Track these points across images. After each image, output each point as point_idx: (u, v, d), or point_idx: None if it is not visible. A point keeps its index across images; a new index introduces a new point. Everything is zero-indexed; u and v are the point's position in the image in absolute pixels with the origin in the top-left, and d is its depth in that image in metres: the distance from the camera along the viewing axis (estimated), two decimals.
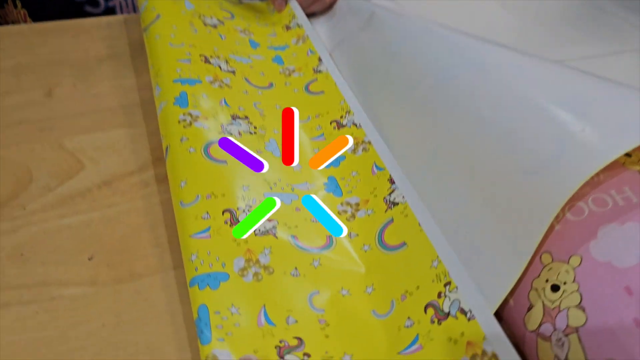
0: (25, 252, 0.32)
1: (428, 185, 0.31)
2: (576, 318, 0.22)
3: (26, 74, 0.44)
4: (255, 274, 0.29)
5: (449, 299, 0.26)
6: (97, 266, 0.31)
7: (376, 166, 0.34)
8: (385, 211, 0.32)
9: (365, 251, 0.31)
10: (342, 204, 0.33)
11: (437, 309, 0.27)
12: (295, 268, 0.30)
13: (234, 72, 0.40)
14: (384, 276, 0.30)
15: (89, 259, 0.32)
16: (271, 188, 0.33)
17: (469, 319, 0.25)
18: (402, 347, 0.27)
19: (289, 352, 0.27)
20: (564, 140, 0.25)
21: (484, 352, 0.24)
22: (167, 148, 0.34)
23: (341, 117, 0.38)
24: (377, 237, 0.31)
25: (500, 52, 0.32)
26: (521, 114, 0.28)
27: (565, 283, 0.23)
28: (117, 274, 0.31)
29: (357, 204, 0.33)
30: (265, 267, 0.29)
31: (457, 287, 0.26)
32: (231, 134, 0.35)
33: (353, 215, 0.33)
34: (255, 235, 0.30)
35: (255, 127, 0.36)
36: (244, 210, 0.31)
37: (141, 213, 0.34)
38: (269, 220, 0.31)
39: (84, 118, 0.40)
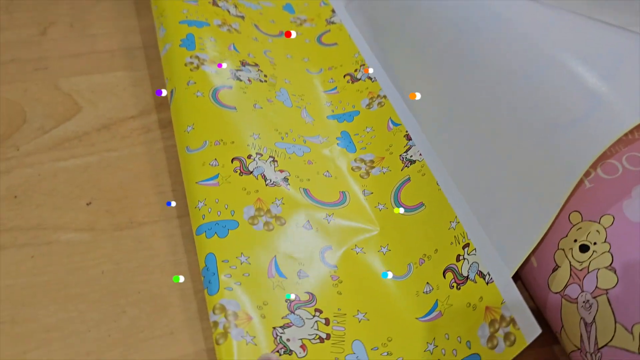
0: (19, 194, 0.30)
1: (445, 141, 0.30)
2: (606, 279, 0.22)
3: (19, 11, 0.41)
4: (266, 223, 0.27)
5: (468, 262, 0.26)
6: (96, 212, 0.30)
7: (392, 122, 0.32)
8: (402, 169, 0.30)
9: (380, 210, 0.30)
10: (355, 160, 0.32)
11: (456, 273, 0.26)
12: (308, 221, 0.28)
13: (243, 18, 0.38)
14: (400, 238, 0.29)
15: (87, 204, 0.30)
16: (282, 138, 0.31)
17: (487, 283, 0.24)
18: (421, 314, 0.26)
19: (299, 307, 0.26)
20: (595, 95, 0.24)
21: (502, 317, 0.23)
22: (172, 91, 0.32)
23: (355, 70, 0.36)
24: (392, 196, 0.30)
25: (527, 4, 0.31)
26: (549, 68, 0.26)
27: (595, 243, 0.22)
28: (116, 220, 0.30)
29: (372, 161, 0.32)
30: (277, 218, 0.28)
31: (475, 249, 0.26)
32: (240, 80, 0.33)
33: (367, 173, 0.31)
34: (267, 185, 0.28)
35: (265, 76, 0.35)
36: (254, 159, 0.29)
37: (143, 159, 0.32)
38: (280, 171, 0.29)
39: (80, 59, 0.38)
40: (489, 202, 0.27)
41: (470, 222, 0.27)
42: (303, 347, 0.25)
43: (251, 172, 0.29)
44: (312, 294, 0.26)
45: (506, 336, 0.23)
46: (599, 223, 0.23)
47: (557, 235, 0.24)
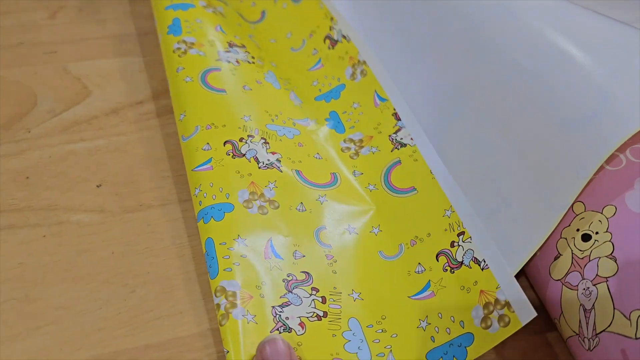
0: (30, 176, 0.30)
1: (453, 133, 0.31)
2: (607, 268, 0.22)
3: None
4: (260, 207, 0.28)
5: (463, 249, 0.26)
6: (105, 194, 0.30)
7: (378, 96, 0.33)
8: (392, 151, 0.31)
9: (371, 190, 0.30)
10: (344, 140, 0.33)
11: (450, 258, 0.26)
12: (301, 203, 0.29)
13: (226, 3, 0.38)
14: (391, 219, 0.29)
15: (97, 187, 0.30)
16: (273, 120, 0.32)
17: (482, 269, 0.25)
18: (413, 292, 0.27)
19: (296, 286, 0.26)
20: (605, 93, 0.24)
21: (497, 301, 0.24)
22: (169, 80, 0.33)
23: (330, 28, 0.36)
24: (382, 177, 0.30)
25: None
26: (559, 64, 0.27)
27: (597, 233, 0.23)
28: (125, 203, 0.30)
29: (361, 140, 0.32)
30: (271, 202, 0.28)
31: (471, 237, 0.26)
32: (229, 62, 0.33)
33: (356, 153, 0.32)
34: (259, 168, 0.29)
35: (253, 57, 0.35)
36: (245, 142, 0.30)
37: (151, 143, 0.33)
38: (272, 152, 0.30)
39: (89, 43, 0.39)
40: (497, 193, 0.27)
41: (466, 211, 0.27)
42: (301, 324, 0.25)
43: (244, 155, 0.29)
44: (308, 273, 0.27)
45: (500, 318, 0.24)
46: (602, 213, 0.23)
47: (560, 224, 0.24)
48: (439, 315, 0.25)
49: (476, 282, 0.25)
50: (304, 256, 0.27)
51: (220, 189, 0.28)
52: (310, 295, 0.26)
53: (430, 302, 0.26)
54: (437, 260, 0.27)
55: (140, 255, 0.28)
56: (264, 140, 0.30)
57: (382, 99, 0.32)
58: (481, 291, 0.25)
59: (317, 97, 0.35)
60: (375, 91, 0.33)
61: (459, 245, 0.26)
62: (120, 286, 0.27)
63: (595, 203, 0.24)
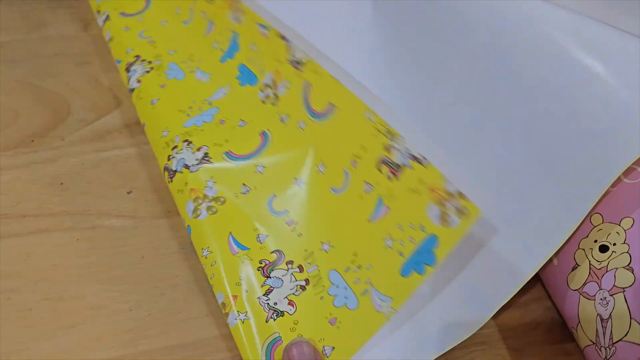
0: (65, 182, 0.32)
1: (475, 137, 0.31)
2: (624, 278, 0.23)
3: (62, 8, 0.43)
4: (209, 208, 0.28)
5: (399, 151, 0.25)
6: (136, 200, 0.31)
7: (261, 26, 0.32)
8: (296, 75, 0.30)
9: (302, 129, 0.30)
10: (261, 90, 0.32)
11: (390, 164, 0.26)
12: (243, 184, 0.29)
13: (108, 17, 0.38)
14: (328, 147, 0.29)
15: (128, 193, 0.32)
16: (188, 115, 0.32)
17: (424, 165, 0.24)
18: (369, 214, 0.27)
19: (272, 269, 0.27)
20: (628, 106, 0.25)
21: (448, 193, 0.23)
22: None
23: None
24: (305, 108, 0.30)
25: (560, 11, 0.31)
26: (584, 77, 0.27)
27: (614, 244, 0.24)
28: (155, 209, 0.31)
29: (274, 82, 0.32)
30: (216, 199, 0.29)
31: (403, 137, 0.25)
32: (132, 89, 0.34)
33: (276, 97, 0.32)
34: (191, 172, 0.29)
35: (150, 62, 0.35)
36: (173, 157, 0.30)
37: None
38: (198, 149, 0.30)
39: None
40: (516, 198, 0.28)
41: (386, 111, 0.26)
42: (291, 303, 0.26)
43: (176, 171, 0.29)
44: (278, 250, 0.28)
45: (458, 210, 0.22)
46: (619, 225, 0.24)
47: (578, 235, 0.25)
48: (399, 227, 0.25)
49: (421, 179, 0.24)
50: (267, 236, 0.28)
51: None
52: (288, 270, 0.27)
53: (388, 218, 0.26)
54: (381, 172, 0.26)
55: (170, 258, 0.29)
56: (187, 142, 0.30)
57: (265, 27, 0.32)
58: (430, 189, 0.24)
59: (222, 57, 0.35)
60: (257, 23, 0.32)
61: (393, 147, 0.25)
62: (150, 288, 0.28)
63: (613, 215, 0.24)
